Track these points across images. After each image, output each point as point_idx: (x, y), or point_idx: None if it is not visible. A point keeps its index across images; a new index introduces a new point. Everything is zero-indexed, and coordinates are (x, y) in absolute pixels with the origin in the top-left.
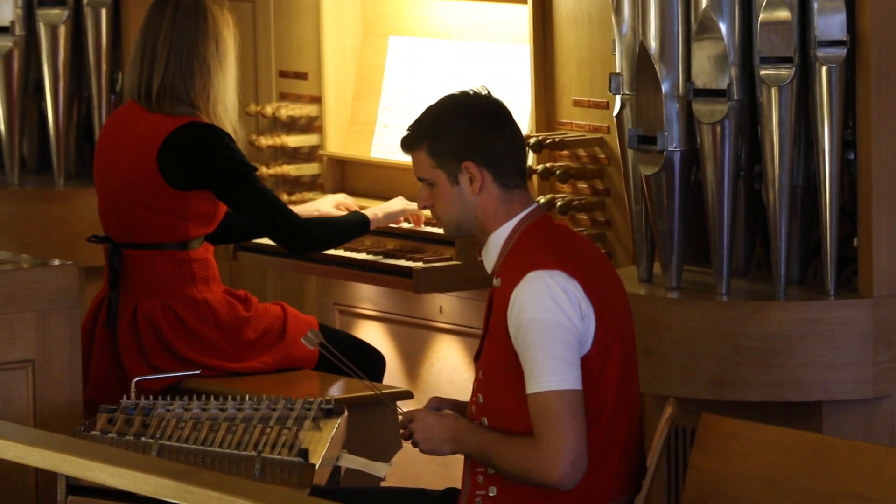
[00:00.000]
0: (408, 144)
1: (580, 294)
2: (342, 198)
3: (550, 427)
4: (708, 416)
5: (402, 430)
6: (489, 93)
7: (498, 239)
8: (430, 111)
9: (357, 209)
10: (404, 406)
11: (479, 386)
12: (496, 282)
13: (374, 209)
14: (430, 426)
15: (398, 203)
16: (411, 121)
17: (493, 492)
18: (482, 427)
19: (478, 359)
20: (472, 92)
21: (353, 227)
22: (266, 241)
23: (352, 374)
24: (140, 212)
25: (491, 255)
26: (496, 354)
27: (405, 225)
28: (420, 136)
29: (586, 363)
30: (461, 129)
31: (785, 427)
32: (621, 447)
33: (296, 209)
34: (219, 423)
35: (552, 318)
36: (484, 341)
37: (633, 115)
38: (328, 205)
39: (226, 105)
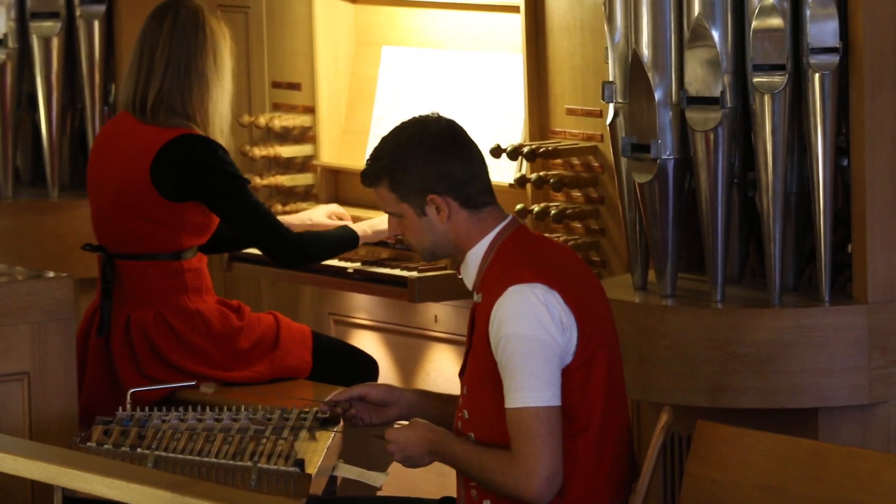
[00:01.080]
0: (368, 181)
1: (561, 306)
2: (334, 208)
3: (526, 443)
4: (703, 423)
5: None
6: (440, 116)
7: (475, 256)
8: (386, 146)
9: (349, 219)
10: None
11: (464, 402)
12: (477, 297)
13: (363, 225)
14: (404, 444)
15: (386, 221)
16: None
17: None
18: (456, 437)
19: (462, 374)
20: (425, 120)
21: (343, 243)
22: (258, 250)
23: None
24: (133, 222)
25: (470, 271)
26: (480, 370)
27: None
28: (379, 172)
29: (571, 373)
30: (419, 164)
31: (781, 434)
32: (612, 452)
33: (288, 219)
34: (214, 434)
35: (532, 334)
36: (468, 357)
37: (626, 124)
38: (320, 215)
39: (222, 118)
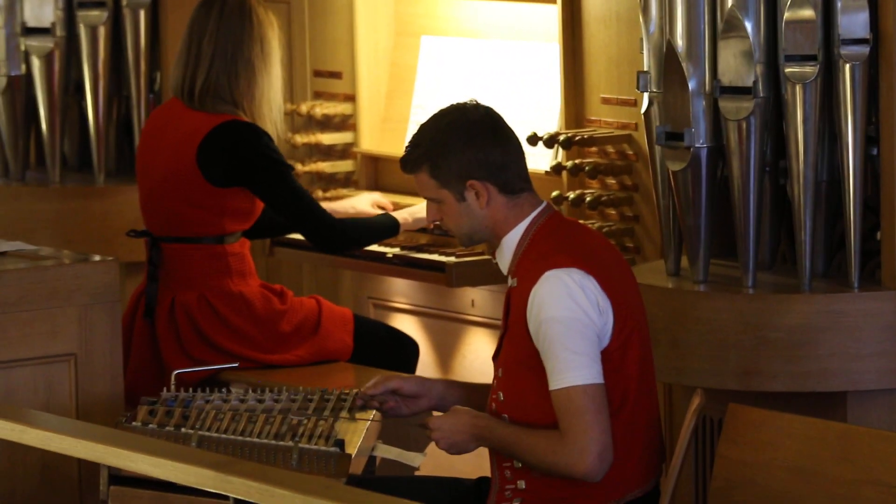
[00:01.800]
0: (408, 167)
1: (597, 290)
2: (377, 197)
3: (576, 421)
4: (735, 406)
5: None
6: (478, 103)
7: (511, 241)
8: (425, 132)
9: (392, 208)
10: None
11: (499, 384)
12: (512, 282)
13: (404, 213)
14: (449, 431)
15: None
16: None
17: (522, 485)
18: (501, 422)
19: (497, 357)
20: (463, 107)
21: (384, 229)
22: (301, 236)
23: None
24: (179, 206)
25: (505, 256)
26: (516, 353)
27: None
28: (419, 159)
29: (607, 356)
30: (460, 150)
31: (811, 417)
32: (644, 436)
33: (332, 205)
34: (257, 415)
35: (571, 316)
36: (503, 340)
37: (660, 113)
38: (364, 203)
39: (270, 105)
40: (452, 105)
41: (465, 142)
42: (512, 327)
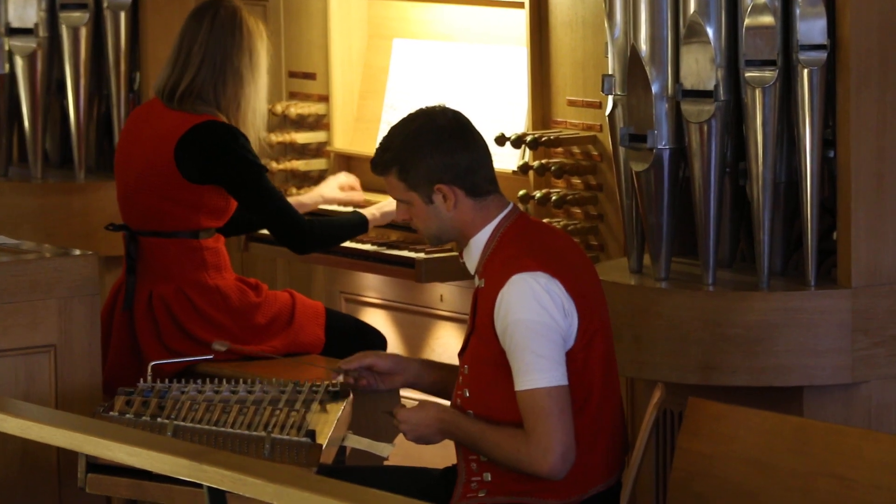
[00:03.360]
0: (378, 170)
1: (563, 293)
2: (343, 178)
3: (540, 422)
4: (695, 400)
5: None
6: (446, 108)
7: (478, 242)
8: (395, 136)
9: (359, 186)
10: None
11: (464, 381)
12: (480, 282)
13: (373, 209)
14: (416, 423)
15: (393, 202)
16: None
17: (488, 477)
18: (468, 417)
19: (462, 354)
20: (432, 111)
21: (353, 227)
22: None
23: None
24: (156, 201)
25: (473, 257)
26: (483, 351)
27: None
28: (388, 162)
29: (571, 357)
30: (427, 154)
31: (768, 411)
32: (607, 432)
33: (300, 198)
34: (231, 405)
35: (537, 319)
36: (470, 338)
37: (624, 115)
38: (331, 189)
39: (255, 113)
40: (421, 109)
41: (433, 146)
42: (479, 327)
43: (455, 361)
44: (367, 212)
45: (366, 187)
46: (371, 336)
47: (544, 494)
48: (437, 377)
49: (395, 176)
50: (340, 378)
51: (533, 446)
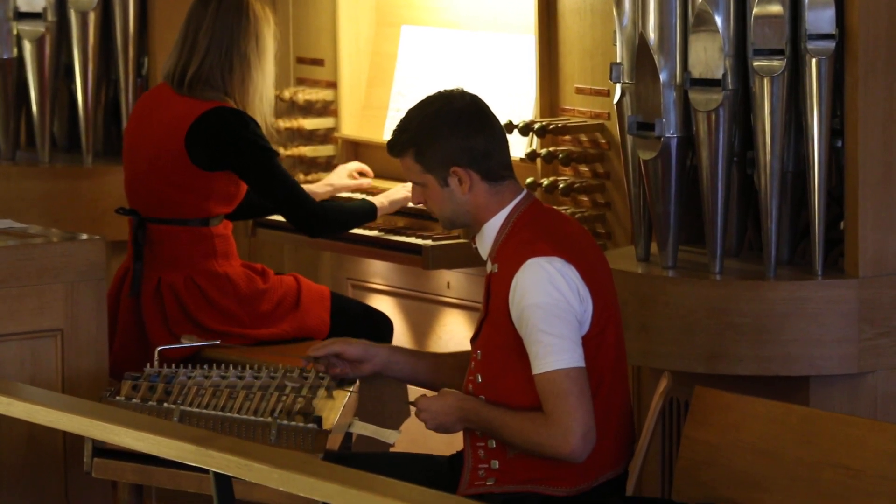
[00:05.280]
0: (394, 151)
1: (577, 278)
2: (354, 165)
3: (560, 403)
4: (701, 388)
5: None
6: (464, 91)
7: (492, 227)
8: (413, 118)
9: (370, 173)
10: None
11: (477, 366)
12: (493, 267)
13: (380, 197)
14: (436, 413)
15: (401, 191)
16: None
17: (495, 465)
18: (487, 404)
19: (475, 340)
20: (450, 94)
21: (363, 214)
22: (282, 218)
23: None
24: (166, 188)
25: (486, 242)
26: (496, 337)
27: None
28: (405, 144)
29: (584, 343)
30: (444, 137)
31: (774, 400)
32: (617, 420)
33: (310, 187)
34: (237, 391)
35: (552, 301)
36: (483, 324)
37: (632, 103)
38: (341, 176)
39: (262, 98)
40: (440, 92)
41: (450, 129)
42: (493, 312)
43: (461, 348)
44: (376, 200)
45: (374, 174)
46: (377, 320)
47: (553, 482)
48: (405, 364)
49: (412, 158)
50: (310, 366)
51: (553, 428)
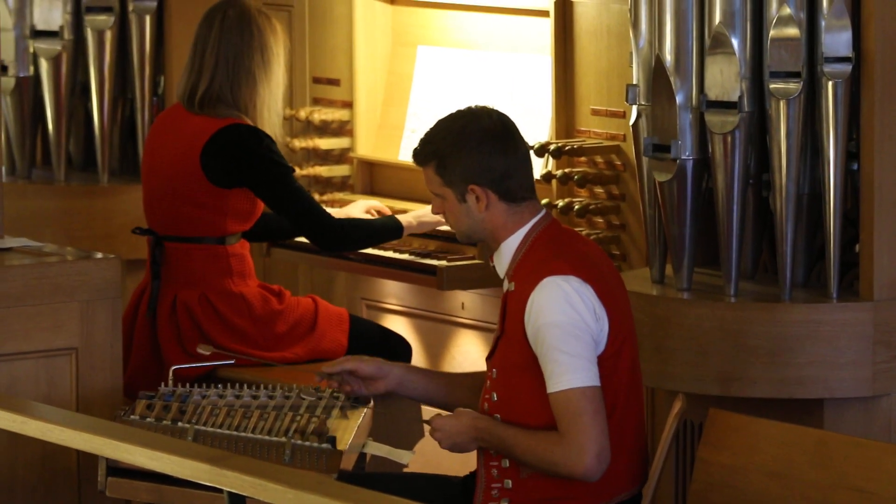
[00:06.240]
0: (418, 160)
1: (594, 298)
2: (373, 203)
3: (575, 422)
4: (715, 411)
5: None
6: (493, 110)
7: (510, 246)
8: (439, 131)
9: (388, 212)
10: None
11: (492, 385)
12: (510, 286)
13: (409, 216)
14: (451, 432)
15: (430, 212)
16: None
17: (508, 484)
18: (502, 423)
19: (490, 358)
20: (479, 112)
21: (386, 231)
22: (298, 238)
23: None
24: (182, 206)
25: (503, 260)
26: (511, 355)
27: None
28: (428, 155)
29: (600, 363)
30: (466, 154)
31: (788, 422)
32: (631, 441)
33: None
34: (252, 411)
35: (569, 320)
36: (499, 342)
37: (648, 125)
38: (358, 210)
39: (270, 111)
40: (469, 108)
41: (473, 147)
42: (508, 331)
43: (475, 369)
44: (404, 218)
45: (390, 194)
46: (395, 343)
47: (567, 502)
48: (419, 383)
49: (433, 169)
50: (324, 383)
51: (567, 447)
